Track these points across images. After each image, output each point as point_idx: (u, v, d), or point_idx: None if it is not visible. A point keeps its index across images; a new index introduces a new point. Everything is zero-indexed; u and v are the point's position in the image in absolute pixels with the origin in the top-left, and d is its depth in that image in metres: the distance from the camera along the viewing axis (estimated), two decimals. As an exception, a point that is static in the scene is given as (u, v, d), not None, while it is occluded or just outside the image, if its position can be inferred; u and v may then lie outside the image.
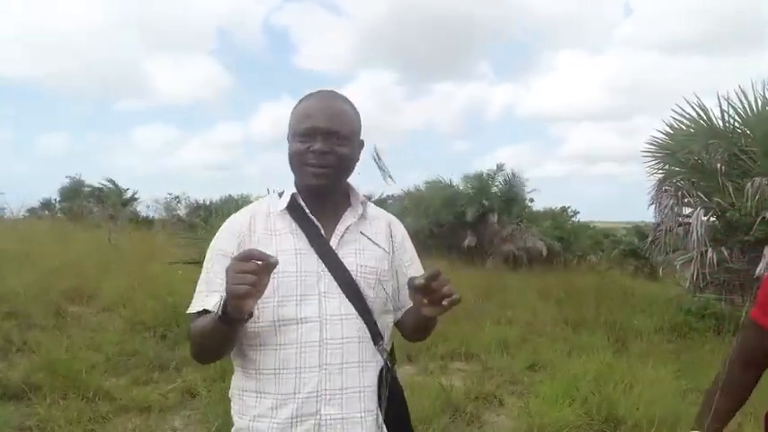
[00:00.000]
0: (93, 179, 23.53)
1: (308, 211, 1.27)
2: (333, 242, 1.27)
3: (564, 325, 6.67)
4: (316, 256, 1.25)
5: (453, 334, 5.58)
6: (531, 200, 15.65)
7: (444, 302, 1.10)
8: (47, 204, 23.96)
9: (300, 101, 1.31)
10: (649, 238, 7.52)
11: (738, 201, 6.23)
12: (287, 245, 1.25)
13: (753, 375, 1.40)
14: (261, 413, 1.22)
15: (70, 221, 19.67)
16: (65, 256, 8.74)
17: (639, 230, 14.52)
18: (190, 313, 1.25)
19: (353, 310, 1.24)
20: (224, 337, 1.15)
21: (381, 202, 19.40)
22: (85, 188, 22.92)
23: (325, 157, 1.24)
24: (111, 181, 21.53)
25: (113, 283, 7.10)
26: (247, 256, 1.02)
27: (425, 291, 1.10)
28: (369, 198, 1.43)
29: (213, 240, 1.31)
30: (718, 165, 6.68)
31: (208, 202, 21.03)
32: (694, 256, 6.20)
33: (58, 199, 24.97)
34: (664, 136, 6.94)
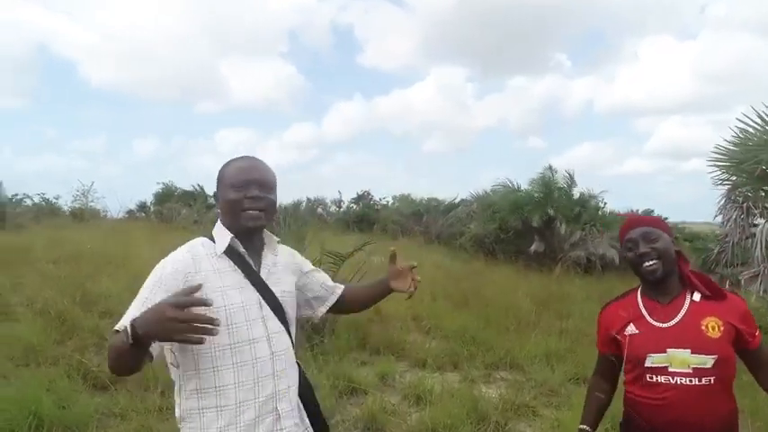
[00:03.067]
0: (183, 182, 25.42)
1: (245, 253, 1.57)
2: (263, 275, 1.60)
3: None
4: (252, 288, 1.56)
5: (499, 344, 5.73)
6: (604, 202, 15.10)
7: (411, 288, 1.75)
8: (142, 207, 26.14)
9: (229, 162, 1.63)
10: (716, 250, 7.23)
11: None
12: (230, 281, 1.53)
13: (608, 383, 1.96)
14: (228, 422, 1.45)
15: (161, 223, 21.41)
16: (155, 260, 9.69)
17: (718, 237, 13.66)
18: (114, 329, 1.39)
19: (282, 328, 1.60)
20: (135, 356, 1.32)
21: (452, 207, 19.53)
22: (176, 192, 24.75)
23: (259, 201, 1.56)
24: (199, 186, 23.11)
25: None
26: (186, 304, 1.21)
27: (400, 273, 1.76)
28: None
29: (156, 273, 1.49)
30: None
31: (284, 205, 22.20)
32: (760, 271, 5.93)
33: (152, 201, 27.16)
34: (730, 145, 6.64)
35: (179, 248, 1.57)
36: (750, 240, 6.35)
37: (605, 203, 15.16)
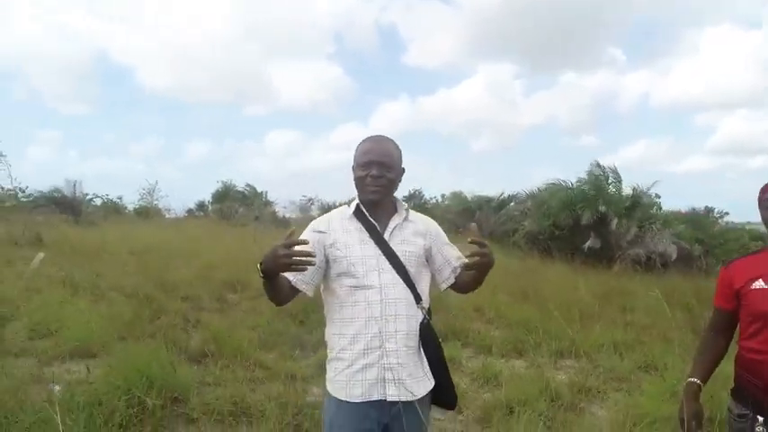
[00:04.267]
0: (237, 182, 26.34)
1: (368, 215, 1.87)
2: (386, 235, 1.87)
3: (687, 331, 6.49)
4: (374, 244, 1.85)
5: (564, 334, 5.78)
6: (658, 196, 14.76)
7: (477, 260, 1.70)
8: (201, 206, 27.23)
9: (360, 143, 1.91)
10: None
11: None
12: (354, 238, 1.86)
13: (723, 339, 2.02)
14: (343, 347, 1.82)
15: (221, 221, 22.29)
16: (219, 252, 10.23)
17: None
18: None
19: (401, 281, 1.83)
20: (273, 288, 1.74)
21: (503, 204, 19.47)
22: (234, 192, 25.69)
23: (378, 180, 1.84)
24: (251, 186, 23.91)
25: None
26: (289, 244, 1.58)
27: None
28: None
29: (307, 229, 1.92)
30: None
31: (338, 203, 22.70)
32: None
33: (210, 201, 28.22)
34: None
35: (327, 213, 1.99)
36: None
37: (660, 198, 14.83)
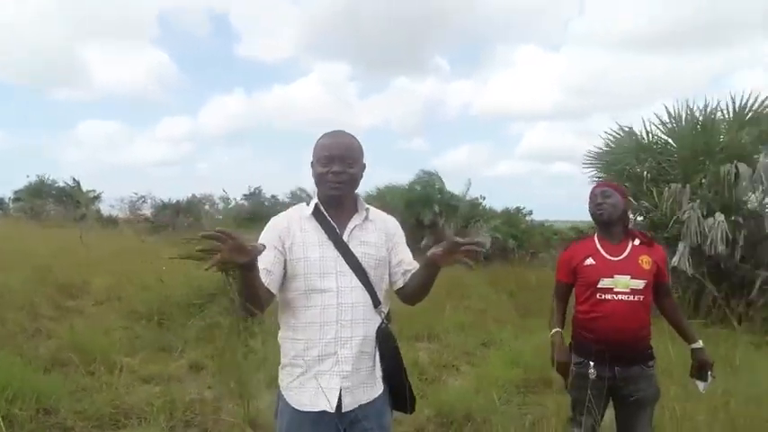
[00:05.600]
0: (55, 177, 23.30)
1: (327, 215, 1.80)
2: (344, 237, 1.79)
3: (514, 312, 7.59)
4: (333, 246, 1.77)
5: (418, 320, 6.39)
6: (483, 197, 16.84)
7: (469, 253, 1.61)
8: (-1, 203, 23.58)
9: (320, 138, 1.83)
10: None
11: (660, 203, 7.30)
12: (312, 239, 1.77)
13: (564, 303, 2.64)
14: (297, 353, 1.74)
15: (30, 220, 19.54)
16: (44, 255, 9.13)
17: (578, 229, 15.80)
18: None
19: (359, 284, 1.76)
20: (243, 282, 1.61)
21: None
22: (49, 187, 22.69)
23: (339, 175, 1.76)
24: (75, 181, 21.41)
25: (102, 280, 7.61)
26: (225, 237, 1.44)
27: (455, 247, 1.62)
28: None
29: (262, 233, 1.81)
30: (645, 173, 7.81)
31: (174, 201, 21.35)
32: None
33: (12, 197, 24.53)
34: (600, 149, 8.06)
35: (285, 211, 1.89)
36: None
37: (484, 199, 16.88)
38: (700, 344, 2.50)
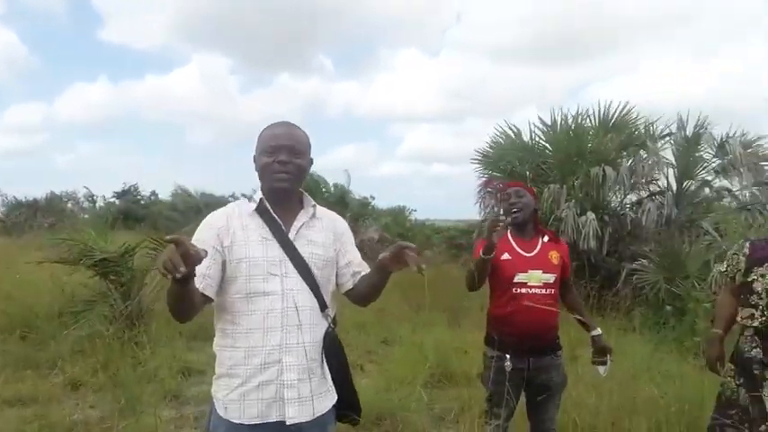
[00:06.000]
0: None
1: (272, 211, 1.66)
2: (291, 235, 1.66)
3: (408, 309, 7.73)
4: (278, 245, 1.63)
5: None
6: (373, 197, 17.12)
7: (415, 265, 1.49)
8: None
9: (266, 128, 1.71)
10: (475, 233, 9.00)
11: (540, 203, 7.89)
12: (255, 237, 1.63)
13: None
14: (236, 362, 1.59)
15: None
16: None
17: (458, 229, 16.69)
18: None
19: (306, 286, 1.63)
20: (176, 294, 1.44)
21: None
22: None
23: (286, 165, 1.63)
24: None
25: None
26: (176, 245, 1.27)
27: (402, 251, 1.52)
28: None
29: (196, 232, 1.66)
30: (527, 173, 8.39)
31: (30, 199, 19.05)
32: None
33: None
34: (487, 147, 8.49)
35: (224, 207, 1.74)
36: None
37: (374, 199, 17.18)
38: (598, 331, 2.68)
